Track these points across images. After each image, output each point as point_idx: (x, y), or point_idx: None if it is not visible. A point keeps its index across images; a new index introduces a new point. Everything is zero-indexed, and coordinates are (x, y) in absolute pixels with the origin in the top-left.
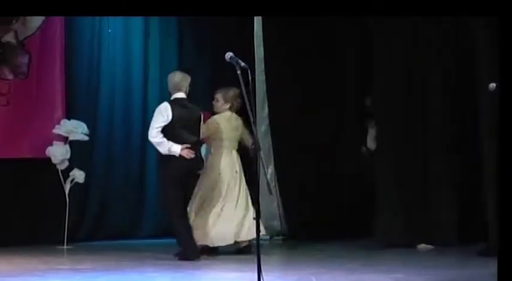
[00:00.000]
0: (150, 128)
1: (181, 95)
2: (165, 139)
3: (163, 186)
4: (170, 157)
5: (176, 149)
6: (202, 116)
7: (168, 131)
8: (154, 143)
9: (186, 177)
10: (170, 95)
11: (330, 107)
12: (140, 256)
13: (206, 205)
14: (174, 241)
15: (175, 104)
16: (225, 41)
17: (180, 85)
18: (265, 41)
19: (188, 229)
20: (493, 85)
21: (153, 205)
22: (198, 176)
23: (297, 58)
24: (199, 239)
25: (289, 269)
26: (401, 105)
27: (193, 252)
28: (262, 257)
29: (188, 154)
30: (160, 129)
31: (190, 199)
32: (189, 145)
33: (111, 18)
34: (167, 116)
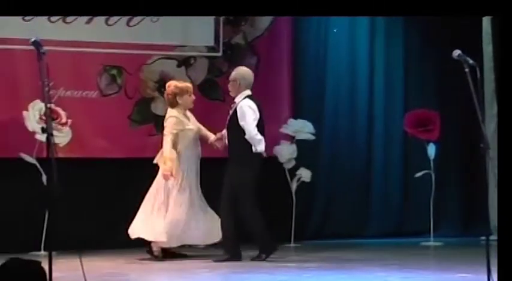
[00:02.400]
0: (250, 126)
1: (250, 92)
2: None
3: (249, 184)
4: (255, 156)
5: (264, 147)
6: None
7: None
8: (256, 141)
9: None
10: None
11: None
12: (367, 255)
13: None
14: (401, 241)
15: (253, 101)
16: (451, 38)
17: (252, 83)
18: (495, 39)
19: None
20: None
21: (379, 204)
22: None
23: None
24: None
25: None
26: None
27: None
28: (492, 259)
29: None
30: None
31: None
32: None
33: (336, 18)
34: (257, 113)
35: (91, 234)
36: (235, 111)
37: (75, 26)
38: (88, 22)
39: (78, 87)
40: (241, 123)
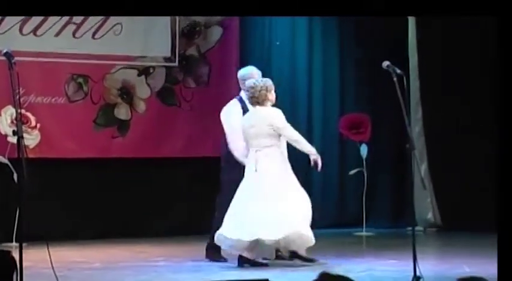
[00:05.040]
0: None
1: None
2: None
3: None
4: None
5: None
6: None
7: None
8: None
9: None
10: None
11: (482, 108)
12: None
13: None
14: (338, 231)
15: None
16: (381, 51)
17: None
18: (419, 48)
19: None
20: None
21: (319, 198)
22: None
23: (451, 63)
24: None
25: (442, 258)
26: None
27: None
28: (417, 247)
29: None
30: None
31: None
32: None
33: (279, 31)
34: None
35: (59, 227)
36: None
37: (45, 38)
38: (57, 35)
39: (47, 94)
40: None
